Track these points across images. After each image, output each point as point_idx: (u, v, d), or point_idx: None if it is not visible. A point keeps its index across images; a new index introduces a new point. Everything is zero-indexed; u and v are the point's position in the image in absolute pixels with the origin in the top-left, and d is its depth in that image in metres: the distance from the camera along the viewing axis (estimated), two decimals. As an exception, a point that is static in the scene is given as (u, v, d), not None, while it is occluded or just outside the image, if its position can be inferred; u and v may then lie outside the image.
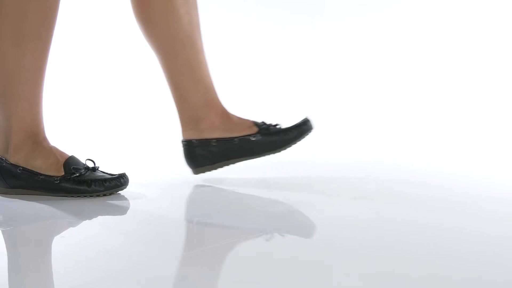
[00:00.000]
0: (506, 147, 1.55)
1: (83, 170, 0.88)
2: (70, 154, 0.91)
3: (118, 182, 0.89)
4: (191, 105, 1.01)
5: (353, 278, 0.53)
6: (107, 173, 0.91)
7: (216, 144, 1.01)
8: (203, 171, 1.02)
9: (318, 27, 2.21)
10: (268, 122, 1.04)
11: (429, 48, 2.03)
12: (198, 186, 1.01)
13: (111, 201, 0.88)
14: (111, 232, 0.71)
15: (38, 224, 0.74)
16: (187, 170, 1.05)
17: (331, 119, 2.04)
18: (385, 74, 2.11)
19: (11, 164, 0.88)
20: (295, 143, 1.02)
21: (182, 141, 1.03)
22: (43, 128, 0.92)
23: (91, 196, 0.88)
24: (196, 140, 1.01)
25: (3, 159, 0.89)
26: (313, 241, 0.68)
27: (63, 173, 0.87)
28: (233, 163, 1.02)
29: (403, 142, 1.74)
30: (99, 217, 0.79)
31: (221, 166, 1.02)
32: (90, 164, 0.90)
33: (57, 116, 1.95)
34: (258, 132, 1.01)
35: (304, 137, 1.03)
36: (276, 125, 1.03)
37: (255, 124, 1.02)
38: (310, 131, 1.04)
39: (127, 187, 0.92)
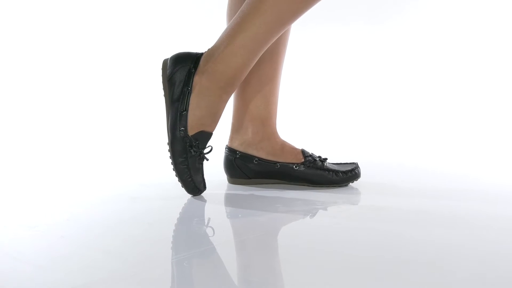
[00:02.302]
0: (504, 147, 1.58)
1: None
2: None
3: None
4: (248, 116, 1.00)
5: (353, 278, 0.54)
6: None
7: (257, 163, 0.99)
8: (238, 183, 1.01)
9: (318, 28, 2.17)
10: (317, 155, 1.02)
11: (428, 49, 2.06)
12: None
13: (111, 201, 0.90)
14: (112, 232, 0.71)
15: (40, 225, 0.74)
16: (224, 175, 1.05)
17: (330, 119, 2.03)
18: (384, 74, 2.11)
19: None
20: (338, 186, 1.00)
21: (226, 147, 1.02)
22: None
23: None
24: (240, 152, 1.00)
25: None
26: (310, 241, 0.68)
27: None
28: (269, 183, 1.01)
29: (402, 142, 1.74)
30: (100, 217, 0.80)
31: (256, 183, 1.01)
32: None
33: (57, 115, 2.00)
34: (302, 163, 0.99)
35: (348, 183, 1.00)
36: (325, 159, 1.01)
37: (303, 153, 1.00)
38: (356, 179, 1.01)
39: (128, 187, 0.98)
